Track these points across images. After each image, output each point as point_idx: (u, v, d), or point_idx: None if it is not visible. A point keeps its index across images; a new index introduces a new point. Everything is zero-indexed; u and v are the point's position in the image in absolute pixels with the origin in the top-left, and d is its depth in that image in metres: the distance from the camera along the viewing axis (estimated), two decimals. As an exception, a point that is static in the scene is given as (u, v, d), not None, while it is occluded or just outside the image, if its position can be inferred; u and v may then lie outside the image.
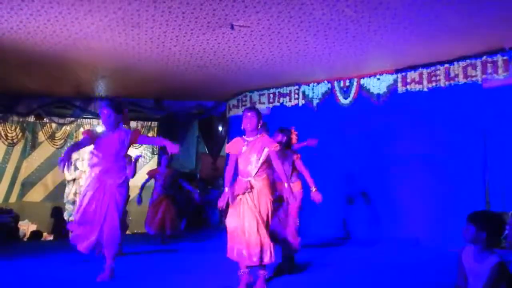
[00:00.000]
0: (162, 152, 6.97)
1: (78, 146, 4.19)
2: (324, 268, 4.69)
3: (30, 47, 5.66)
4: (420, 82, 6.38)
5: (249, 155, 3.75)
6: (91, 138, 4.12)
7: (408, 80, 6.49)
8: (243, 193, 3.70)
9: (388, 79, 6.69)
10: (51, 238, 9.02)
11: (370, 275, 4.43)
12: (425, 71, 6.32)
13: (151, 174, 6.66)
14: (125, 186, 4.13)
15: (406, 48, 5.70)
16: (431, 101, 6.31)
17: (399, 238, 6.23)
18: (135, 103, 8.77)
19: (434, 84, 6.24)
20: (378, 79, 6.77)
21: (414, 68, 6.41)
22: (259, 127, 3.81)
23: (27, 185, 11.31)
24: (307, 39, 5.41)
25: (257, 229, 3.59)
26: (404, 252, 5.68)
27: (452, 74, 6.07)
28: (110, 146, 4.05)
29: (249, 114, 3.78)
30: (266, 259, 3.61)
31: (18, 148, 10.57)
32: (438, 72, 6.20)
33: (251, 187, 3.69)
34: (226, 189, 3.77)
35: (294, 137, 4.70)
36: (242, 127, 3.85)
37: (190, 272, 4.45)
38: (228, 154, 4.15)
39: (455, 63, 6.02)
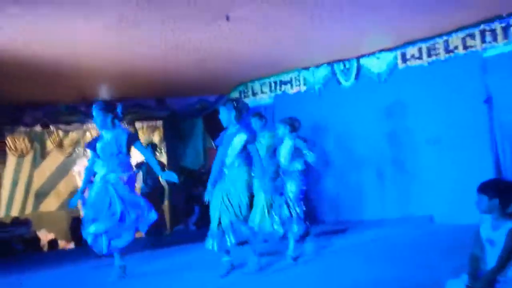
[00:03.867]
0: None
1: (91, 170, 4.31)
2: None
3: (29, 57, 5.69)
4: (420, 57, 6.37)
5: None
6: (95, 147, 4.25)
7: (408, 56, 6.48)
8: None
9: (387, 56, 6.67)
10: (69, 246, 9.12)
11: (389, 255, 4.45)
12: (424, 45, 6.30)
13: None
14: (130, 182, 4.26)
15: (404, 23, 5.68)
16: (432, 75, 6.29)
17: (412, 216, 6.24)
18: (138, 104, 8.83)
19: (434, 57, 6.22)
20: (378, 57, 6.75)
21: (412, 43, 6.39)
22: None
23: (41, 195, 11.40)
24: (304, 23, 5.40)
25: None
26: (424, 229, 5.68)
27: (451, 46, 6.04)
28: (108, 146, 4.18)
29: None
30: None
31: (28, 159, 10.66)
32: (437, 45, 6.18)
33: None
34: None
35: None
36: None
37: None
38: None
39: (453, 34, 6.00)
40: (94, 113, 4.23)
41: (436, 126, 6.22)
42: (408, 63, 6.48)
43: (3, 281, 4.85)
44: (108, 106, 4.27)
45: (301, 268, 4.13)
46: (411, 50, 6.45)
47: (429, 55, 6.29)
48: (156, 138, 10.13)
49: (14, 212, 10.44)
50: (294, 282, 3.64)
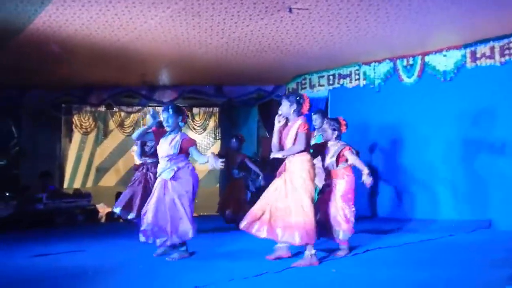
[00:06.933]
0: (234, 136, 7.16)
1: (145, 136, 4.43)
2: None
3: (100, 41, 5.99)
4: (491, 57, 6.00)
5: (285, 138, 4.06)
6: (156, 136, 4.40)
7: (478, 55, 6.12)
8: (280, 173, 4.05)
9: (455, 54, 6.34)
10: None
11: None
12: (497, 44, 5.93)
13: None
14: (183, 180, 4.27)
15: (475, 21, 5.38)
16: (505, 76, 5.91)
17: (473, 220, 5.97)
18: (196, 90, 9.04)
19: (507, 57, 5.84)
20: (445, 55, 6.44)
21: (484, 41, 6.02)
22: (293, 111, 4.05)
23: (101, 170, 12.08)
24: (367, 18, 5.26)
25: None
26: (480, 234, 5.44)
27: (528, 46, 5.65)
28: (164, 147, 4.31)
29: (282, 102, 4.13)
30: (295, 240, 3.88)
31: (91, 137, 11.31)
32: (511, 44, 5.80)
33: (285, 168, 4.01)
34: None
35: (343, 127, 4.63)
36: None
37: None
38: None
39: (531, 34, 5.60)
40: (164, 114, 4.28)
41: (505, 130, 5.87)
42: (478, 62, 6.12)
43: (67, 247, 5.16)
44: (180, 110, 4.36)
45: (345, 267, 4.07)
46: (482, 49, 6.08)
47: (502, 55, 5.90)
48: (212, 124, 10.36)
49: (76, 185, 11.15)
50: (337, 281, 3.60)
